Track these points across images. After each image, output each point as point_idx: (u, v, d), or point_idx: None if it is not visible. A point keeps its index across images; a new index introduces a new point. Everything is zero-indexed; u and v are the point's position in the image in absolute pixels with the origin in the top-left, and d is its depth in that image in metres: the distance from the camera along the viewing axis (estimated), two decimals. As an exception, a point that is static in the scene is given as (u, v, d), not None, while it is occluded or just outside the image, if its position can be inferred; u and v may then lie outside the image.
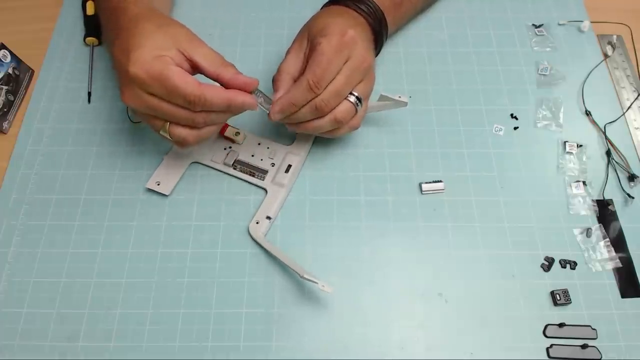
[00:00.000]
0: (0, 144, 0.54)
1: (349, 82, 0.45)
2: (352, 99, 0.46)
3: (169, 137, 0.44)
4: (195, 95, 0.41)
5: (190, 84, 0.41)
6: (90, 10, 0.60)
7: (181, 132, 0.44)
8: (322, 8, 0.53)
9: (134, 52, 0.41)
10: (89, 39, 0.59)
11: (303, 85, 0.44)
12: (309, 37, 0.47)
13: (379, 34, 0.51)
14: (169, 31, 0.43)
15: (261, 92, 0.46)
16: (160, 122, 0.43)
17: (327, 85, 0.44)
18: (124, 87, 0.42)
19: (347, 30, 0.44)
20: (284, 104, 0.45)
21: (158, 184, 0.50)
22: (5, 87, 0.54)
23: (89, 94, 0.56)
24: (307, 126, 0.47)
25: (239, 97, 0.43)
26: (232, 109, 0.43)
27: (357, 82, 0.46)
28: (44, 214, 0.50)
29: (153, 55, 0.41)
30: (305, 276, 0.43)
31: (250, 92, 0.44)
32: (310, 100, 0.44)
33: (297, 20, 0.62)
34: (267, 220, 0.48)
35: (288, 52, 0.48)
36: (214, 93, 0.42)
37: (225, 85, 0.43)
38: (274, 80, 0.47)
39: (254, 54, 0.59)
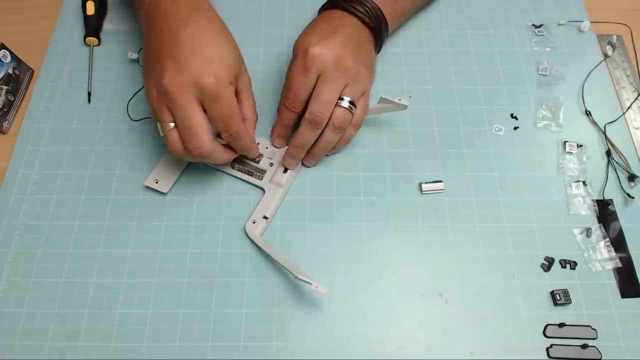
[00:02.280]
0: (0, 144, 0.54)
1: (331, 90, 0.46)
2: (345, 104, 0.47)
3: (161, 134, 0.44)
4: (237, 129, 0.44)
5: (240, 118, 0.44)
6: (90, 10, 0.60)
7: (177, 139, 0.43)
8: (318, 11, 0.54)
9: (179, 54, 0.42)
10: (89, 39, 0.59)
11: (284, 106, 0.48)
12: None
13: (378, 31, 0.51)
14: (235, 53, 0.45)
15: None
16: (170, 117, 0.43)
17: (309, 100, 0.46)
18: (171, 71, 0.42)
19: (309, 48, 0.46)
20: (277, 128, 0.51)
21: (156, 182, 0.50)
22: (5, 87, 0.54)
23: (89, 94, 0.56)
24: (318, 148, 0.49)
25: (253, 146, 0.48)
26: (236, 146, 0.47)
27: (341, 87, 0.46)
28: (44, 214, 0.50)
29: (213, 71, 0.42)
30: (299, 277, 0.43)
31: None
32: (298, 122, 0.48)
33: (297, 20, 0.62)
34: (264, 220, 0.48)
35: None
36: (220, 156, 0.46)
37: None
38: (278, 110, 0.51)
39: (254, 54, 0.59)
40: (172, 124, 0.43)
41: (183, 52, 0.42)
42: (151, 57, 0.45)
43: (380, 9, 0.51)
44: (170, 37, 0.43)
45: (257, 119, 0.50)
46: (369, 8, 0.50)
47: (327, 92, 0.46)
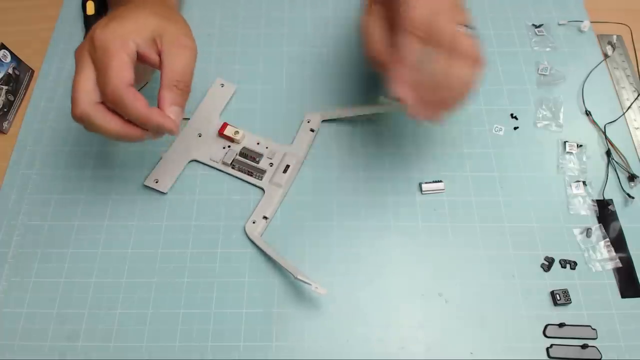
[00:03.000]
0: (0, 144, 0.54)
1: (450, 19, 0.39)
2: (463, 29, 0.40)
3: None
4: (116, 93, 0.38)
5: (122, 79, 0.38)
6: (90, 10, 0.60)
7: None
8: None
9: (112, 18, 0.40)
10: (89, 39, 0.59)
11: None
12: None
13: None
14: (160, 23, 0.41)
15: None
16: None
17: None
18: (82, 43, 0.40)
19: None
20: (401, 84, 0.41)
21: (156, 182, 0.50)
22: (5, 87, 0.54)
23: (89, 94, 0.56)
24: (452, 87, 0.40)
25: (158, 119, 0.39)
26: (149, 129, 0.40)
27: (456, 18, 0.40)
28: (44, 214, 0.50)
29: (119, 34, 0.39)
30: (299, 277, 0.43)
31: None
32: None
33: (297, 20, 0.62)
34: (264, 220, 0.48)
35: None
36: (137, 103, 0.38)
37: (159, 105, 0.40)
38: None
39: (253, 54, 0.59)
40: None
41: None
42: None
43: None
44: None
45: (185, 87, 0.41)
46: None
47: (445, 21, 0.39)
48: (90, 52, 0.40)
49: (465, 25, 0.40)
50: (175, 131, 0.41)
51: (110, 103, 0.39)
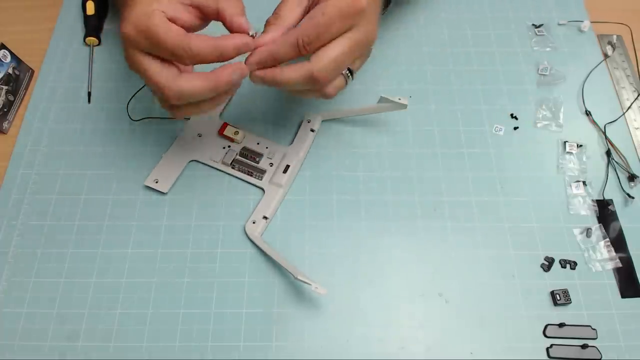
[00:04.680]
0: (0, 144, 0.54)
1: (350, 55, 0.40)
2: (345, 71, 0.42)
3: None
4: (177, 45, 0.37)
5: (173, 32, 0.37)
6: (90, 10, 0.60)
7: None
8: None
9: (127, 11, 0.39)
10: (89, 39, 0.59)
11: (290, 41, 0.39)
12: None
13: None
14: None
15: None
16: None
17: (322, 51, 0.39)
18: (124, 51, 0.40)
19: (362, 1, 0.39)
20: (264, 55, 0.40)
21: (156, 182, 0.50)
22: (5, 87, 0.54)
23: (89, 94, 0.56)
24: (276, 77, 0.41)
25: (229, 42, 0.38)
26: (224, 57, 0.39)
27: (357, 56, 0.42)
28: (44, 214, 0.50)
29: (144, 11, 0.38)
30: (299, 277, 0.43)
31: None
32: (306, 69, 0.40)
33: (297, 20, 0.62)
34: (264, 220, 0.48)
35: None
36: (200, 41, 0.38)
37: (227, 26, 0.40)
38: (266, 23, 0.42)
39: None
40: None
41: (122, 25, 0.40)
42: None
43: None
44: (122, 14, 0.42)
45: (243, 7, 0.41)
46: None
47: (346, 54, 0.40)
48: (136, 45, 0.39)
49: (350, 71, 0.43)
50: (250, 45, 0.40)
51: (185, 58, 0.38)
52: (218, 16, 0.40)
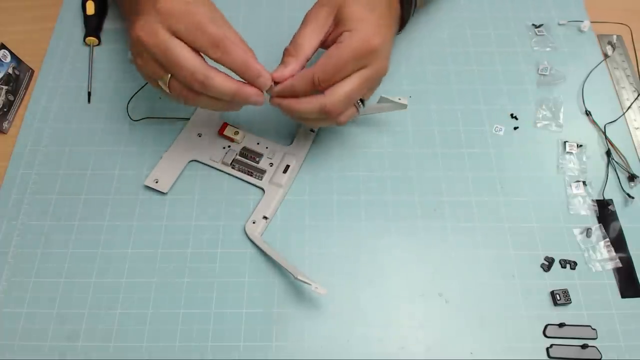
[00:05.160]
0: (0, 144, 0.54)
1: (361, 90, 0.44)
2: (357, 102, 0.46)
3: (167, 90, 0.43)
4: (199, 78, 0.40)
5: (196, 62, 0.40)
6: (90, 10, 0.60)
7: (177, 85, 0.42)
8: None
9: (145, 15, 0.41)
10: (89, 39, 0.59)
11: (307, 78, 0.42)
12: (336, 16, 0.44)
13: (407, 12, 0.50)
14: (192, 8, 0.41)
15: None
16: (162, 71, 0.42)
17: (336, 86, 0.43)
18: (137, 23, 0.41)
19: (373, 37, 0.42)
20: (284, 88, 0.43)
21: (156, 182, 0.50)
22: (5, 87, 0.54)
23: (89, 94, 0.56)
24: (292, 107, 0.44)
25: (248, 91, 0.42)
26: (237, 101, 0.43)
27: (368, 89, 0.45)
28: (44, 214, 0.50)
29: None
30: (299, 277, 0.43)
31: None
32: (320, 103, 0.43)
33: (297, 20, 0.62)
34: (264, 220, 0.48)
35: (307, 22, 0.45)
36: (221, 80, 0.41)
37: (237, 71, 0.42)
38: (285, 53, 0.44)
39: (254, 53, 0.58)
40: (168, 75, 0.42)
41: (141, 6, 0.41)
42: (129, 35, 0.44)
43: None
44: (131, 6, 0.44)
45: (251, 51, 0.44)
46: None
47: (357, 89, 0.43)
48: (173, 24, 0.40)
49: (361, 100, 0.46)
50: (262, 101, 0.43)
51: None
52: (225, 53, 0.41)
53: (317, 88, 0.42)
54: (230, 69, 0.41)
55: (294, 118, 0.46)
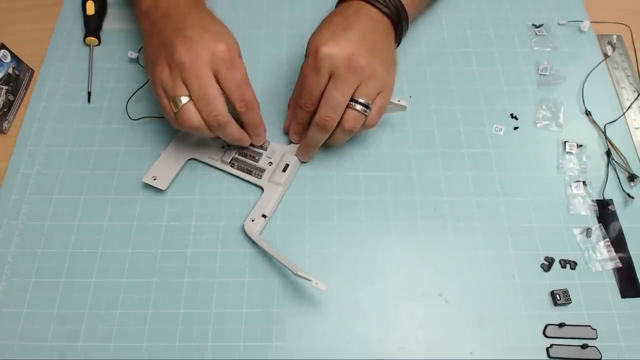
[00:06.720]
0: (0, 144, 0.54)
1: (342, 92, 0.45)
2: (358, 106, 0.45)
3: (175, 110, 0.44)
4: (221, 120, 0.44)
5: (223, 106, 0.44)
6: (90, 10, 0.60)
7: (192, 111, 0.44)
8: (336, 4, 0.52)
9: (216, 26, 0.46)
10: (89, 39, 0.59)
11: (297, 106, 0.48)
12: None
13: (398, 21, 0.50)
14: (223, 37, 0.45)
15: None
16: (184, 90, 0.43)
17: (320, 101, 0.46)
18: (183, 45, 0.43)
19: (319, 47, 0.44)
20: (293, 125, 0.51)
21: (154, 179, 0.50)
22: (5, 87, 0.54)
23: (89, 94, 0.56)
24: (327, 143, 0.50)
25: (247, 140, 0.49)
26: (241, 143, 0.49)
27: (353, 88, 0.45)
28: (44, 214, 0.50)
29: (236, 43, 0.45)
30: (299, 273, 0.43)
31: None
32: (311, 120, 0.47)
33: (297, 20, 0.62)
34: (263, 219, 0.48)
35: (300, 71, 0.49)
36: (234, 128, 0.46)
37: (240, 120, 0.47)
38: (288, 105, 0.54)
39: (254, 54, 0.58)
40: (187, 98, 0.43)
41: (192, 30, 0.44)
42: (156, 45, 0.46)
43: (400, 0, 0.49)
44: (176, 22, 0.45)
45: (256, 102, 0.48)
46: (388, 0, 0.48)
47: (337, 94, 0.45)
48: (215, 63, 0.43)
49: (364, 104, 0.46)
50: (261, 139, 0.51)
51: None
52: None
53: (306, 110, 0.48)
54: (244, 124, 0.47)
55: (327, 145, 0.51)
